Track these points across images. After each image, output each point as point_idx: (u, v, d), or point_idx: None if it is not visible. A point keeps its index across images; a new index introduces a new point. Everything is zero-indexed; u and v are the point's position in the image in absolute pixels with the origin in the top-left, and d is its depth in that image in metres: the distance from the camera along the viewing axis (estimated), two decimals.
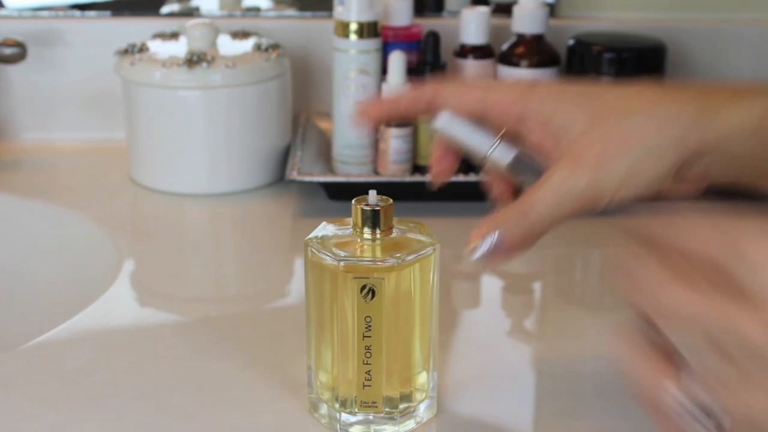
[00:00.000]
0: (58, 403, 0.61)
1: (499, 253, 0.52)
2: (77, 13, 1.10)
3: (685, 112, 0.51)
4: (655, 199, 0.54)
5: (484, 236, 0.52)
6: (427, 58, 0.95)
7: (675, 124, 0.51)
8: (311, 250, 0.56)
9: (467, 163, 0.95)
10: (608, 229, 0.87)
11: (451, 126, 0.57)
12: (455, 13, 1.05)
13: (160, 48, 0.97)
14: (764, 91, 0.52)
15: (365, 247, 0.56)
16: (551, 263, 0.84)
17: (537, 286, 0.81)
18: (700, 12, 1.10)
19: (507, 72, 0.96)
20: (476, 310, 0.77)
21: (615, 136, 0.52)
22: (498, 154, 0.56)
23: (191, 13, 1.12)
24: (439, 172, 0.60)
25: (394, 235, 0.56)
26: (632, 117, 0.52)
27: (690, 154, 0.51)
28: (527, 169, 0.56)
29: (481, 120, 0.56)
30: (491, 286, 0.81)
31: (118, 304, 0.74)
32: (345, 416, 0.57)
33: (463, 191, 0.91)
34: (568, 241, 0.86)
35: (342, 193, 0.91)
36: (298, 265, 0.81)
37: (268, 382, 0.63)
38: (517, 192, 0.58)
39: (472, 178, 0.90)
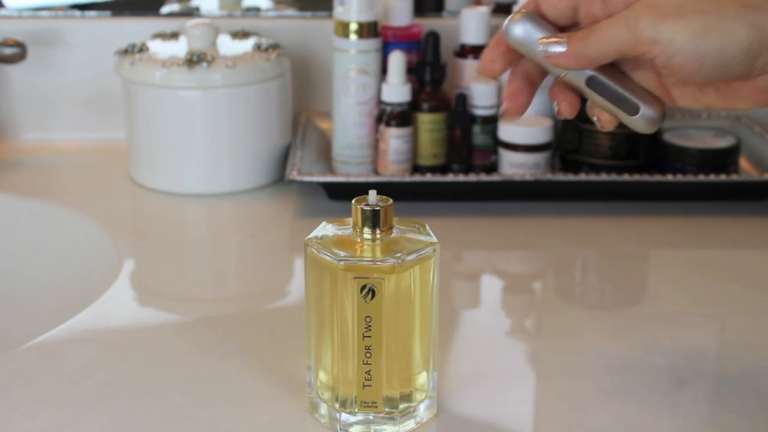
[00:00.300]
0: (58, 403, 0.61)
1: (554, 57, 0.54)
2: (77, 13, 1.10)
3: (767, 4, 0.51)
4: (725, 100, 0.53)
5: (549, 42, 0.54)
6: (427, 58, 0.95)
7: (756, 11, 0.51)
8: (311, 250, 0.56)
9: (468, 163, 0.95)
10: (608, 229, 0.87)
11: (527, 36, 0.55)
12: (455, 13, 1.05)
13: (160, 48, 0.96)
14: None
15: (365, 247, 0.56)
16: (551, 263, 0.84)
17: (537, 286, 0.81)
18: None
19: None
20: (476, 310, 0.77)
21: (693, 2, 0.51)
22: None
23: (191, 13, 1.12)
24: (513, 108, 0.57)
25: (394, 235, 0.56)
26: None
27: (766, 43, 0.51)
28: (603, 89, 0.55)
29: (573, 17, 0.55)
30: (491, 286, 0.81)
31: (118, 304, 0.74)
32: (345, 416, 0.57)
33: (463, 191, 0.91)
34: (568, 241, 0.86)
35: (342, 193, 0.91)
36: (298, 265, 0.81)
37: (268, 382, 0.63)
38: (582, 108, 0.57)
39: (472, 178, 0.90)
